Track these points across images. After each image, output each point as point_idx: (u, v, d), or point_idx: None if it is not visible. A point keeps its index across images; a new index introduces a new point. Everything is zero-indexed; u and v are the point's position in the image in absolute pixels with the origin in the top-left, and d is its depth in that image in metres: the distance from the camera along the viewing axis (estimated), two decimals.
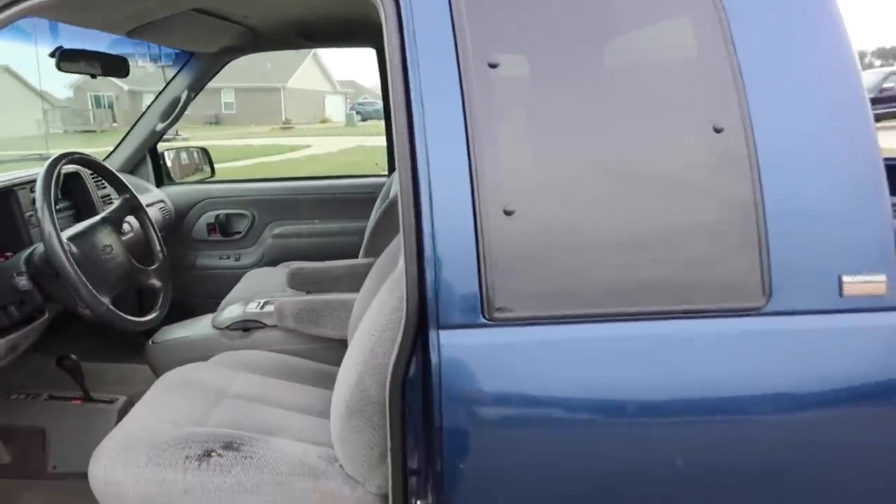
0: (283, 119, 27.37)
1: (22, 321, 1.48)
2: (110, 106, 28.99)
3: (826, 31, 1.11)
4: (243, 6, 2.01)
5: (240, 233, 2.78)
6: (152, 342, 1.93)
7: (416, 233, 1.08)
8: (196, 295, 2.63)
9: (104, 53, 1.82)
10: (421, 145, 1.07)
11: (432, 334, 1.07)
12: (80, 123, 26.81)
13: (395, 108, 1.11)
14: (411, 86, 1.09)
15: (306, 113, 29.27)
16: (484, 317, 1.06)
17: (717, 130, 1.08)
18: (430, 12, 1.10)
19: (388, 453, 1.17)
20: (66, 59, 1.68)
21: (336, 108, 31.76)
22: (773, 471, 1.09)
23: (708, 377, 1.08)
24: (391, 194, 2.25)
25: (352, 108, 29.84)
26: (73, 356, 1.85)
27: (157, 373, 1.83)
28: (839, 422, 1.12)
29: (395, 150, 1.11)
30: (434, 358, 1.06)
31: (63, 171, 1.65)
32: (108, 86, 28.01)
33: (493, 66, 1.09)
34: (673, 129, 1.10)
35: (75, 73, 1.73)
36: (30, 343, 1.63)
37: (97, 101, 29.00)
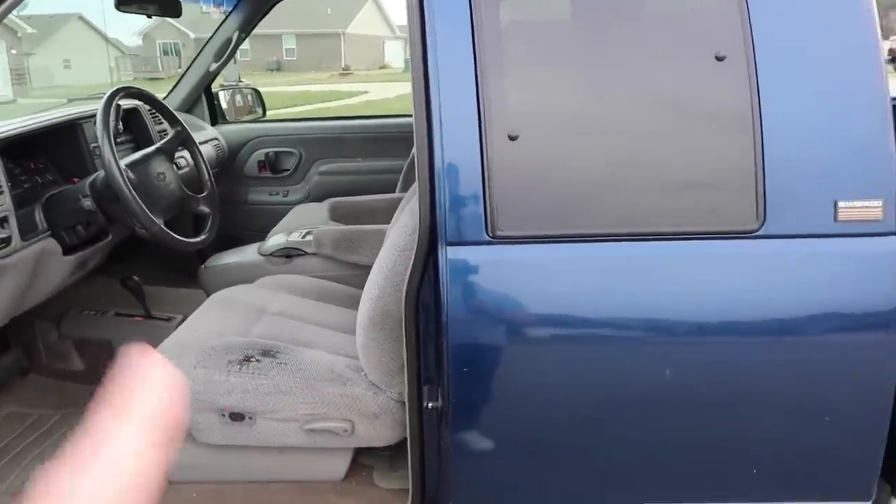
0: (343, 65, 27.45)
1: (89, 240, 1.66)
2: (177, 53, 29.58)
3: None
4: None
5: (288, 170, 2.91)
6: (205, 267, 2.10)
7: (428, 157, 1.17)
8: (247, 228, 2.79)
9: None
10: (433, 73, 1.14)
11: (440, 251, 1.16)
12: (149, 70, 27.55)
13: (413, 39, 1.19)
14: (426, 16, 1.16)
15: (366, 59, 29.24)
16: (488, 234, 1.14)
17: (719, 59, 1.11)
18: None
19: (405, 362, 1.28)
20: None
21: (396, 54, 31.57)
22: (764, 390, 1.16)
23: (701, 297, 1.15)
24: None
25: None
26: (136, 277, 2.04)
27: (209, 295, 2.00)
28: (830, 344, 1.17)
29: (412, 78, 1.19)
30: (442, 271, 1.16)
31: (122, 105, 1.80)
32: (175, 33, 28.65)
33: None
34: (675, 57, 1.14)
35: (131, 13, 1.85)
36: (96, 262, 1.82)
37: (164, 49, 29.69)
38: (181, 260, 2.28)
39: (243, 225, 2.83)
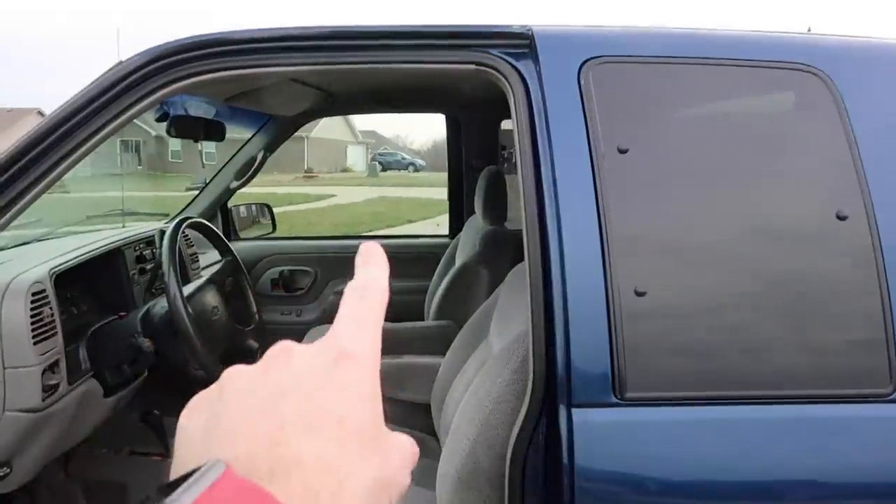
0: (306, 168, 27.84)
1: (130, 379, 1.52)
2: (136, 150, 29.58)
3: None
4: (332, 77, 2.09)
5: (302, 289, 2.82)
6: None
7: (544, 308, 1.11)
8: (259, 350, 2.66)
9: (207, 119, 1.90)
10: (552, 221, 1.11)
11: (562, 411, 1.09)
12: (108, 166, 27.34)
13: (525, 187, 1.16)
14: (542, 170, 1.14)
15: (328, 162, 29.77)
16: (616, 396, 1.08)
17: (841, 218, 1.12)
18: (562, 102, 1.16)
19: None
20: (177, 124, 1.76)
21: (357, 158, 32.29)
22: None
23: (838, 463, 1.10)
24: (464, 258, 2.29)
25: (373, 159, 30.33)
26: (157, 412, 1.88)
27: None
28: None
29: (525, 229, 1.15)
30: (564, 434, 1.08)
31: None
32: (136, 131, 28.74)
33: (622, 151, 1.14)
34: (797, 217, 1.14)
35: (182, 137, 1.81)
36: (128, 401, 1.67)
37: (125, 146, 29.68)
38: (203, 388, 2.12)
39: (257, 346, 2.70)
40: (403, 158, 30.79)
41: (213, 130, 1.91)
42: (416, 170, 28.80)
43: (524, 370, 1.17)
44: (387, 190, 18.08)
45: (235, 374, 0.29)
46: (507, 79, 1.21)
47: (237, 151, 2.59)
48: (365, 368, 0.28)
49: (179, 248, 2.04)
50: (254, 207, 3.20)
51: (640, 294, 1.09)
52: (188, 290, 1.54)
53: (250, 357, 1.68)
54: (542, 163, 1.15)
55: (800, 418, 1.09)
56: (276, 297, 2.80)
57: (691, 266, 1.13)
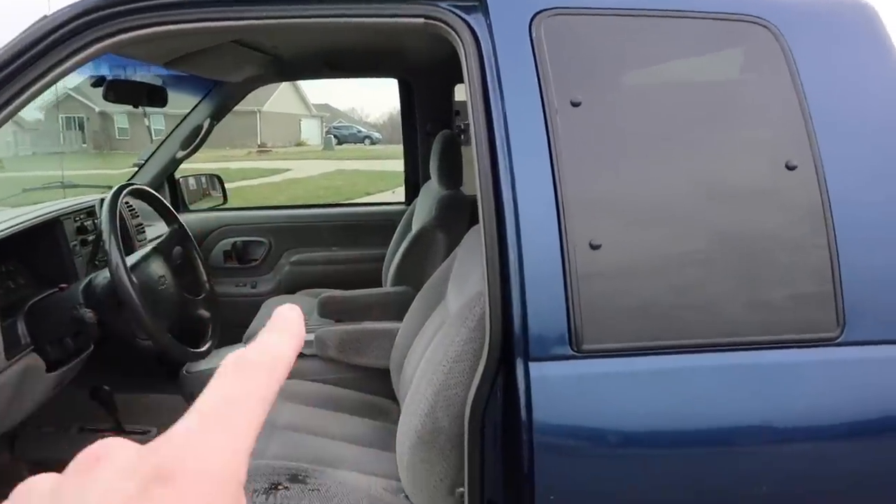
0: (259, 142, 27.27)
1: (73, 353, 1.46)
2: (80, 127, 28.53)
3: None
4: (278, 37, 2.02)
5: (256, 260, 2.76)
6: (186, 371, 1.91)
7: (500, 265, 1.10)
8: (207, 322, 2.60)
9: (148, 84, 1.82)
10: (506, 179, 1.10)
11: (519, 366, 1.08)
12: (50, 145, 26.34)
13: (478, 143, 1.14)
14: (494, 123, 1.12)
15: (283, 136, 29.21)
16: (573, 349, 1.08)
17: (791, 168, 1.13)
18: (514, 55, 1.13)
19: (466, 486, 1.17)
20: (114, 88, 1.67)
21: (312, 132, 31.76)
22: (853, 496, 1.13)
23: (786, 407, 1.12)
24: (421, 223, 2.26)
25: (328, 132, 29.88)
26: (107, 387, 1.82)
27: (191, 402, 1.81)
28: None
29: (479, 187, 1.13)
30: (521, 389, 1.08)
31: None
32: (79, 107, 27.65)
33: (575, 104, 1.13)
34: (748, 167, 1.15)
35: (120, 102, 1.72)
36: (73, 375, 1.61)
37: (68, 123, 28.54)
38: (156, 363, 2.07)
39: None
40: (359, 131, 30.36)
41: (153, 96, 1.82)
42: (373, 142, 28.45)
43: (481, 328, 1.16)
44: (343, 163, 17.85)
45: (26, 492, 0.23)
46: (457, 33, 1.18)
47: (181, 120, 2.49)
48: (188, 498, 0.19)
49: (123, 219, 1.97)
50: (203, 179, 3.11)
51: (594, 247, 1.09)
52: (132, 259, 1.47)
53: (202, 326, 1.64)
54: (495, 118, 1.13)
55: (752, 364, 1.11)
56: (230, 269, 2.74)
57: (645, 218, 1.13)
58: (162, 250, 1.59)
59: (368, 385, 1.82)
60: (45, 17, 1.13)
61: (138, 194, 1.64)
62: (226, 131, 29.69)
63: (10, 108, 1.14)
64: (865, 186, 1.13)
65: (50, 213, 1.60)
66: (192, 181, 3.06)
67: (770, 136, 1.15)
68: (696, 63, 1.19)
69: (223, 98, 2.49)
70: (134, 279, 1.38)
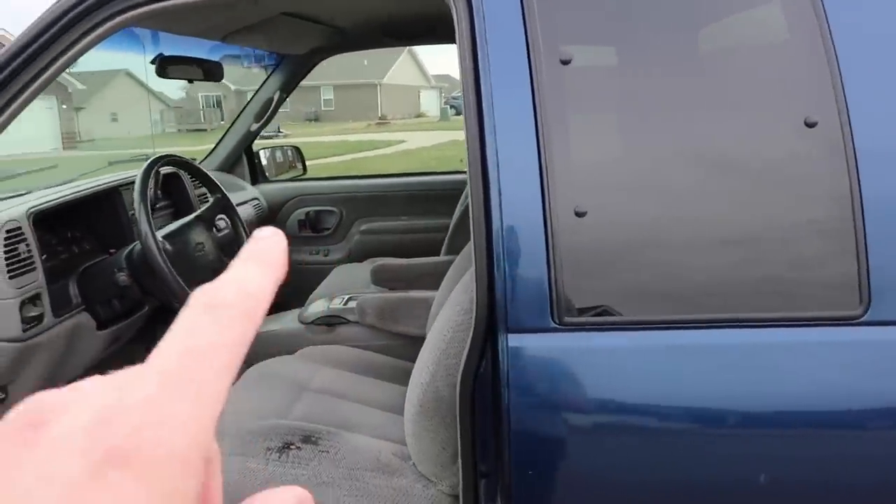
0: (379, 115, 27.95)
1: (123, 314, 1.59)
2: (218, 105, 30.51)
3: None
4: (329, 8, 2.05)
5: (329, 229, 2.85)
6: None
7: (486, 233, 1.07)
8: (286, 287, 2.72)
9: (201, 59, 1.91)
10: (491, 143, 1.05)
11: (501, 337, 1.05)
12: (192, 122, 28.46)
13: (467, 106, 1.10)
14: (482, 83, 1.08)
15: (402, 108, 29.77)
16: (554, 321, 1.03)
17: (810, 125, 1.00)
18: (502, 10, 1.08)
19: (459, 457, 1.16)
20: (166, 65, 1.77)
21: (431, 103, 32.11)
22: (869, 486, 1.01)
23: (797, 390, 1.01)
24: None
25: (446, 103, 30.06)
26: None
27: (246, 364, 1.91)
28: None
29: (467, 149, 1.10)
30: (503, 361, 1.05)
31: (162, 172, 1.75)
32: (217, 86, 29.59)
33: (564, 62, 1.06)
34: (762, 125, 1.03)
35: (174, 78, 1.82)
36: (132, 334, 1.75)
37: (206, 101, 30.65)
38: None
39: (282, 285, 2.77)
40: None
41: (209, 70, 1.91)
42: None
43: None
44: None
45: None
46: None
47: (253, 95, 2.60)
48: (146, 482, 0.15)
49: (187, 189, 2.10)
50: (289, 151, 3.24)
51: (580, 214, 1.03)
52: (172, 227, 1.57)
53: None
54: (482, 78, 1.08)
55: (759, 343, 1.01)
56: (304, 238, 2.84)
57: (638, 183, 1.05)
58: (204, 218, 1.68)
59: (405, 352, 1.84)
60: None
61: (176, 164, 1.74)
62: (349, 104, 30.71)
63: (44, 77, 1.22)
64: None
65: (109, 183, 1.74)
66: (278, 154, 3.20)
67: (786, 88, 1.02)
68: (699, 6, 1.07)
69: (291, 71, 2.56)
70: (167, 246, 1.47)
